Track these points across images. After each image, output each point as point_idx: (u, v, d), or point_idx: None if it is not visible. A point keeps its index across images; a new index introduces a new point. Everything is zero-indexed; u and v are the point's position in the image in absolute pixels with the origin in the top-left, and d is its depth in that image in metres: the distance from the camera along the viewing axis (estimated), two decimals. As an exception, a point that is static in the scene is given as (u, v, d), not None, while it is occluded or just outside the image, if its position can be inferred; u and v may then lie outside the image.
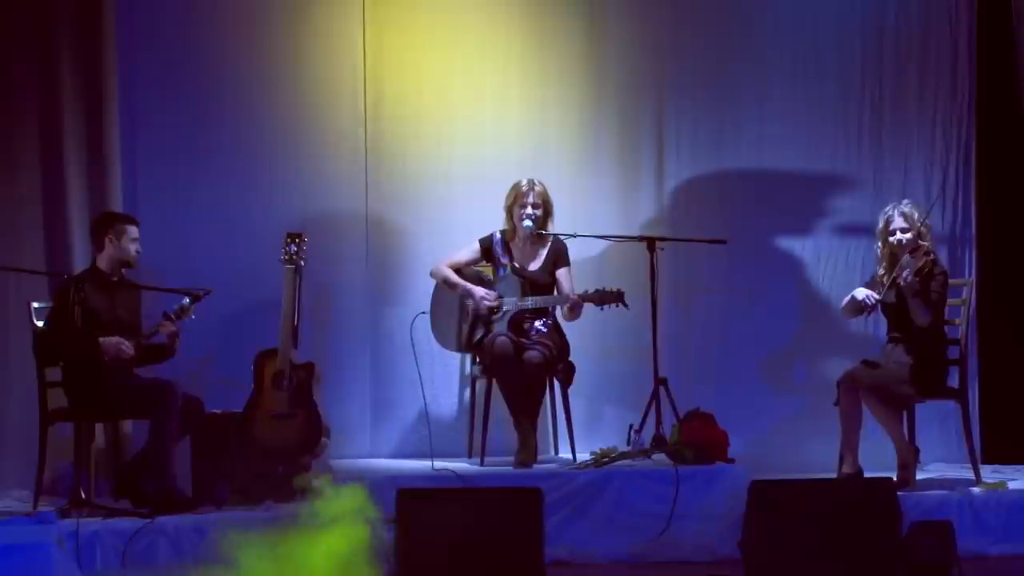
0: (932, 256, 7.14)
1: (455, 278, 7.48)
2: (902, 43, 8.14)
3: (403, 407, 7.82)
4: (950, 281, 7.42)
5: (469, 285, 7.44)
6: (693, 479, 6.88)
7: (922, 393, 7.08)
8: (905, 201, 7.26)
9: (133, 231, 6.92)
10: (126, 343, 6.76)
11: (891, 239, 7.12)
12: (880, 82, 8.14)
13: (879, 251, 7.24)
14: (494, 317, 7.38)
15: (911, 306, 7.01)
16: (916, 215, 7.14)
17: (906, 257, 7.03)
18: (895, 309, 7.14)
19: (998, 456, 7.93)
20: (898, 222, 7.13)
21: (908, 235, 7.09)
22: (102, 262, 6.94)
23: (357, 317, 7.86)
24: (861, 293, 7.12)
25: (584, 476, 6.93)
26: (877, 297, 7.07)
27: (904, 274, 6.98)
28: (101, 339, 6.74)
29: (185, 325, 6.88)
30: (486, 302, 7.35)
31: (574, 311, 7.27)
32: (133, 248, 6.92)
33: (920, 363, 7.06)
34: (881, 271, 7.20)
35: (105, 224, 6.95)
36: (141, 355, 6.86)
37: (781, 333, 8.02)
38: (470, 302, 7.42)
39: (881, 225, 7.21)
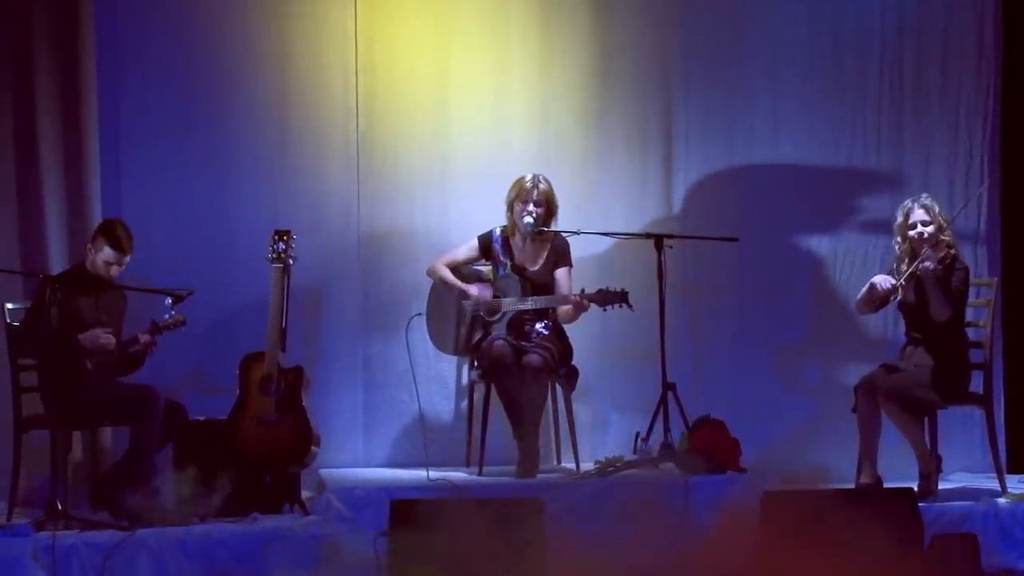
0: (954, 251, 7.13)
1: (451, 277, 7.47)
2: (924, 28, 8.14)
3: (397, 413, 7.81)
4: (974, 280, 7.41)
5: (465, 284, 7.43)
6: (703, 490, 6.87)
7: (943, 398, 7.07)
8: (924, 195, 7.26)
9: (108, 254, 6.89)
10: (104, 333, 6.76)
11: (911, 233, 7.12)
12: (901, 70, 8.13)
13: (898, 247, 7.24)
14: (493, 319, 7.37)
15: (931, 296, 6.99)
16: (937, 208, 7.14)
17: (927, 250, 7.02)
18: (914, 307, 7.14)
19: (1025, 465, 7.94)
20: (919, 215, 7.12)
21: (930, 228, 7.08)
22: (88, 263, 6.95)
23: (348, 319, 7.85)
24: (880, 279, 7.11)
25: (588, 486, 6.93)
26: (895, 281, 7.06)
27: (925, 264, 6.97)
28: (80, 335, 6.74)
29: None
30: (484, 298, 7.34)
31: (574, 312, 7.27)
32: (103, 269, 6.91)
33: (941, 366, 7.05)
34: (904, 267, 7.18)
35: (97, 231, 6.98)
36: (120, 358, 6.87)
37: (796, 336, 8.01)
38: (468, 303, 7.42)
39: (900, 219, 7.21)
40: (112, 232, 6.93)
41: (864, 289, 7.21)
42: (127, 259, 6.95)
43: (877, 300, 7.17)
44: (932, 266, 6.97)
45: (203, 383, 7.46)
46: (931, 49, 8.15)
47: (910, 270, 7.06)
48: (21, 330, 6.85)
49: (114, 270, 6.94)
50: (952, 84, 8.16)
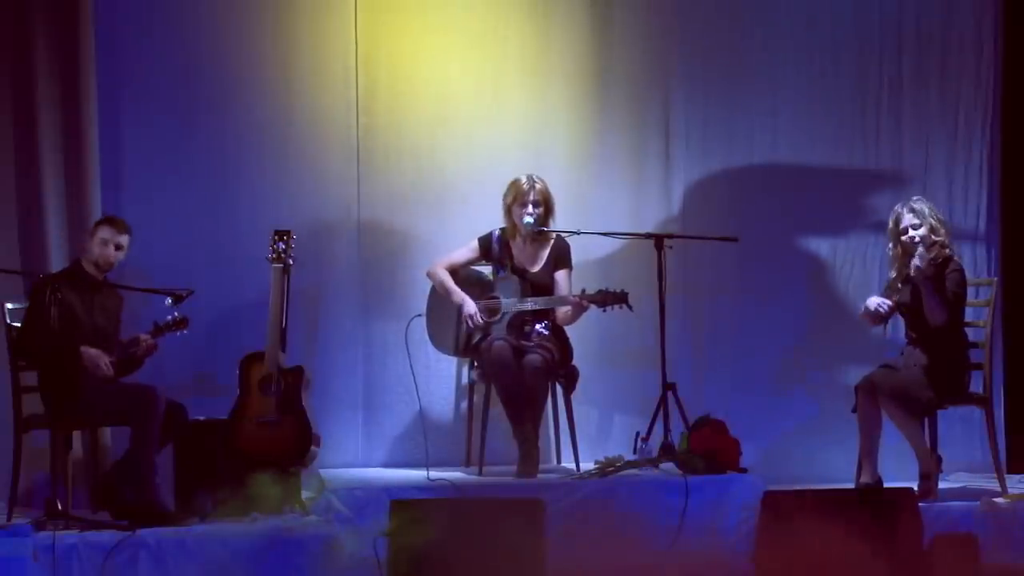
0: (948, 251, 7.13)
1: (450, 283, 7.46)
2: (923, 25, 8.14)
3: (397, 413, 7.81)
4: (973, 281, 7.43)
5: (463, 297, 7.40)
6: (703, 490, 6.87)
7: (942, 398, 7.07)
8: (916, 197, 7.26)
9: (105, 231, 6.91)
10: (106, 361, 6.76)
11: (903, 238, 7.13)
12: (900, 69, 8.14)
13: (891, 252, 7.24)
14: (492, 320, 7.38)
15: (925, 300, 7.00)
16: (927, 210, 7.14)
17: (920, 250, 7.03)
18: (911, 308, 7.15)
19: (1025, 465, 7.95)
20: (908, 219, 7.13)
21: (921, 231, 7.09)
22: (86, 262, 6.96)
23: (348, 319, 7.85)
24: (873, 302, 7.13)
25: (588, 486, 6.93)
26: (889, 303, 7.08)
27: (915, 262, 6.97)
28: (82, 348, 6.74)
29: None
30: (476, 320, 7.33)
31: (574, 313, 7.28)
32: (100, 249, 6.91)
33: (939, 365, 7.06)
34: (893, 273, 7.21)
35: (97, 222, 7.02)
36: (120, 359, 6.89)
37: (796, 336, 8.02)
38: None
39: (891, 224, 7.21)
40: (109, 216, 7.01)
41: (862, 309, 7.20)
42: (123, 240, 6.93)
43: (877, 318, 7.17)
44: (920, 264, 6.97)
45: (203, 383, 7.46)
46: (930, 48, 8.15)
47: (904, 276, 7.07)
48: (21, 337, 6.84)
49: (111, 251, 6.91)
50: (951, 83, 8.16)
